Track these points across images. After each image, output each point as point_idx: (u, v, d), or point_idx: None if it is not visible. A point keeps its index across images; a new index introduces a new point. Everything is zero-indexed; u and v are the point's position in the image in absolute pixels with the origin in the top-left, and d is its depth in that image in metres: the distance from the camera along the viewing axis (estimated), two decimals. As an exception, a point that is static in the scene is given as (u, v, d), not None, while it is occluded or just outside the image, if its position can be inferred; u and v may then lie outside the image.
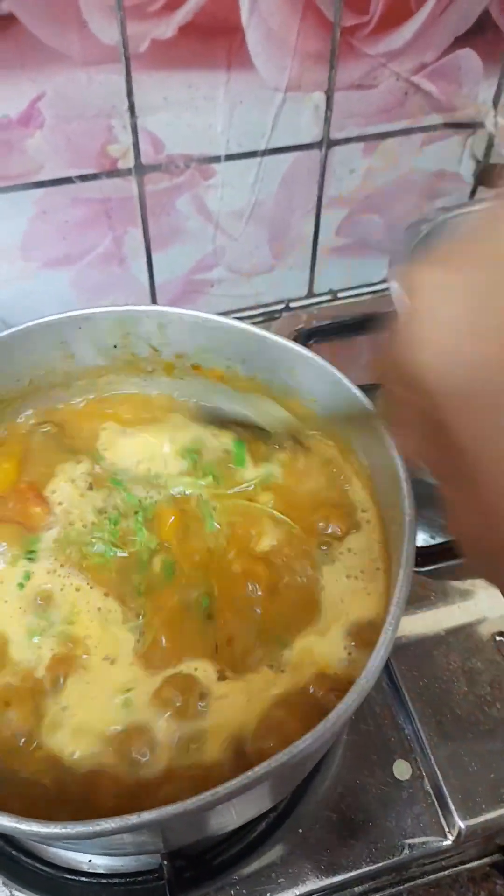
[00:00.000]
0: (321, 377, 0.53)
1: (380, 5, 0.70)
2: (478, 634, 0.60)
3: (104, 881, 0.54)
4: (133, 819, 0.35)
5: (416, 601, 0.62)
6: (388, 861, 0.53)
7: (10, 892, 0.53)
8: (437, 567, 0.63)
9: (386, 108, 0.78)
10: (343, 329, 0.84)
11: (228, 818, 0.46)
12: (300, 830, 0.54)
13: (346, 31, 0.71)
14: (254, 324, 0.91)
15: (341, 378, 0.50)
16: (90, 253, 0.81)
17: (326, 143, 0.79)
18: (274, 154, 0.78)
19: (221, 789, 0.35)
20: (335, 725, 0.37)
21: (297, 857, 0.53)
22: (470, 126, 0.82)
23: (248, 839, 0.54)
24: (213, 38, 0.68)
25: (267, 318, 0.95)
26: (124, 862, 0.53)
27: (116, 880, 0.54)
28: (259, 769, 0.36)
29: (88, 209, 0.77)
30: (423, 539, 0.65)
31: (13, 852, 0.55)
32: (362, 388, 0.50)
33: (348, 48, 0.72)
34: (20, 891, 0.53)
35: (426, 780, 0.56)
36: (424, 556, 0.64)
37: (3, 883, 0.53)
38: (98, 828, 0.36)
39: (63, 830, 0.36)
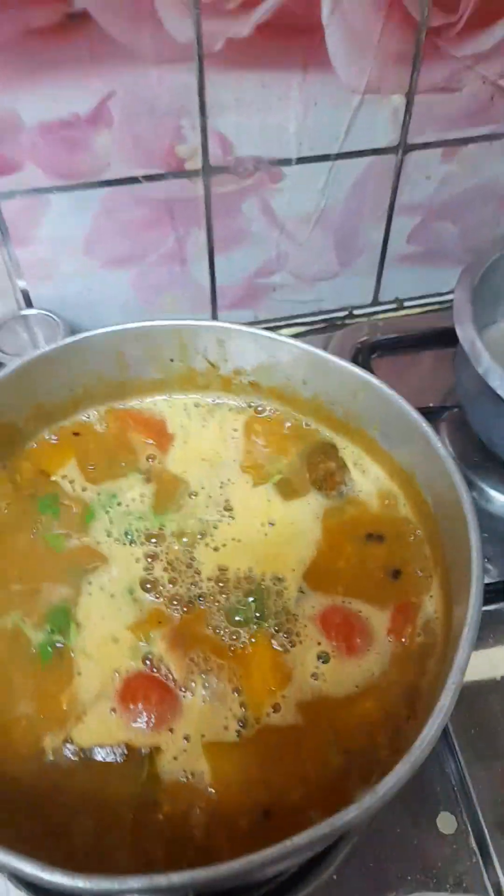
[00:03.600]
0: (385, 404, 0.50)
1: (470, 4, 0.66)
2: (535, 683, 0.57)
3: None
4: (161, 881, 0.34)
5: (471, 642, 0.59)
6: (426, 917, 0.50)
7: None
8: (497, 607, 0.60)
9: (469, 112, 0.74)
10: (408, 343, 0.80)
11: (259, 875, 0.44)
12: (335, 877, 0.52)
13: (432, 32, 0.67)
14: (315, 330, 0.91)
15: (408, 409, 0.47)
16: (152, 253, 0.79)
17: (403, 148, 0.76)
18: (347, 158, 0.75)
19: (257, 857, 0.33)
20: (384, 798, 0.34)
21: (330, 905, 0.51)
22: None
23: (282, 879, 0.52)
24: (291, 38, 0.65)
25: (329, 325, 0.92)
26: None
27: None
28: (298, 839, 0.34)
29: (153, 209, 0.75)
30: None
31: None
32: (426, 409, 0.47)
33: (433, 49, 0.69)
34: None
35: (472, 836, 0.53)
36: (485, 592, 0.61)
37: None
38: (124, 885, 0.34)
39: (86, 885, 0.34)
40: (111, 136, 0.68)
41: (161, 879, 0.33)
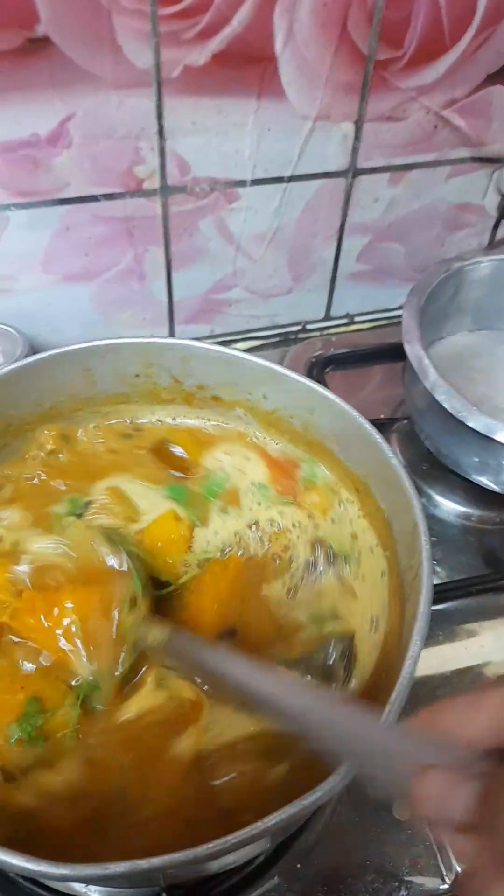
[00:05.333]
0: (341, 417, 0.53)
1: (415, 40, 0.70)
2: (483, 677, 0.61)
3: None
4: (143, 864, 0.36)
5: (422, 639, 0.63)
6: (384, 901, 0.53)
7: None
8: (446, 606, 0.64)
9: (414, 140, 0.79)
10: (360, 358, 0.84)
11: (230, 859, 0.46)
12: (298, 865, 0.55)
13: (379, 65, 0.71)
14: (270, 344, 0.94)
15: (363, 423, 0.50)
16: (111, 269, 0.81)
17: (353, 172, 0.80)
18: (299, 181, 0.79)
19: (231, 837, 0.36)
20: (345, 780, 0.37)
21: (293, 892, 0.53)
22: (497, 161, 0.83)
23: (247, 871, 0.55)
24: (246, 66, 0.68)
25: (283, 339, 0.95)
26: (123, 892, 0.54)
27: (115, 909, 0.54)
28: (267, 820, 0.36)
29: (111, 227, 0.77)
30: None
31: (11, 874, 0.55)
32: (378, 421, 0.51)
33: (380, 81, 0.73)
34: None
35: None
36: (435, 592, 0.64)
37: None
38: (107, 871, 0.36)
39: (73, 872, 0.36)
40: (71, 156, 0.70)
41: (142, 863, 0.35)
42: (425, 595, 0.43)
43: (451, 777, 0.30)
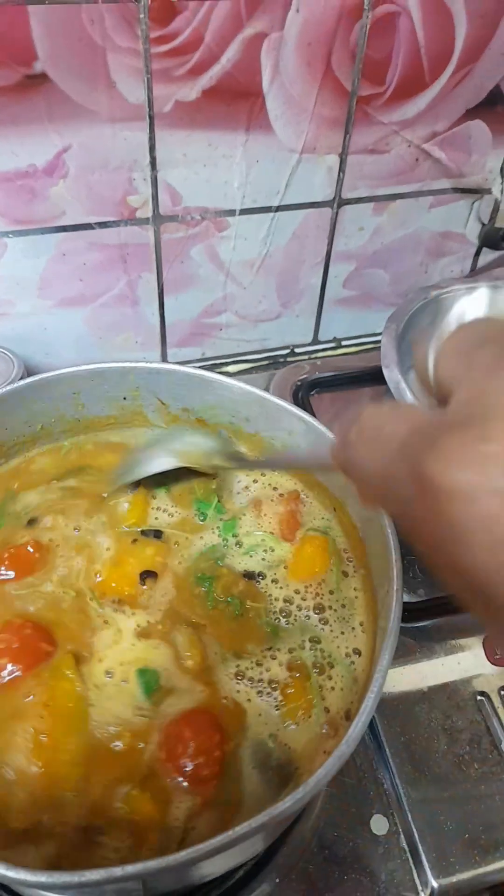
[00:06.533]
0: (319, 439, 0.55)
1: (396, 77, 0.73)
2: (460, 693, 0.62)
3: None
4: (117, 872, 0.37)
5: (400, 656, 0.64)
6: (362, 915, 0.54)
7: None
8: (424, 624, 0.65)
9: (397, 171, 0.81)
10: (345, 381, 0.86)
11: (210, 868, 0.47)
12: (277, 880, 0.55)
13: (362, 100, 0.74)
14: (259, 367, 0.96)
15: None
16: (104, 294, 0.83)
17: (338, 202, 0.82)
18: (287, 210, 0.81)
19: (205, 846, 0.37)
20: (315, 788, 0.39)
21: (274, 905, 0.54)
22: (477, 191, 0.85)
23: (228, 885, 0.56)
24: (235, 102, 0.71)
25: (272, 362, 0.97)
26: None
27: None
28: (241, 828, 0.37)
29: (105, 254, 0.79)
30: (408, 596, 0.67)
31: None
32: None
33: (363, 115, 0.75)
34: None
35: (402, 837, 0.57)
36: (411, 611, 0.66)
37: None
38: (83, 878, 0.37)
39: (49, 880, 0.38)
40: (67, 186, 0.73)
41: (116, 871, 0.37)
42: (395, 611, 0.44)
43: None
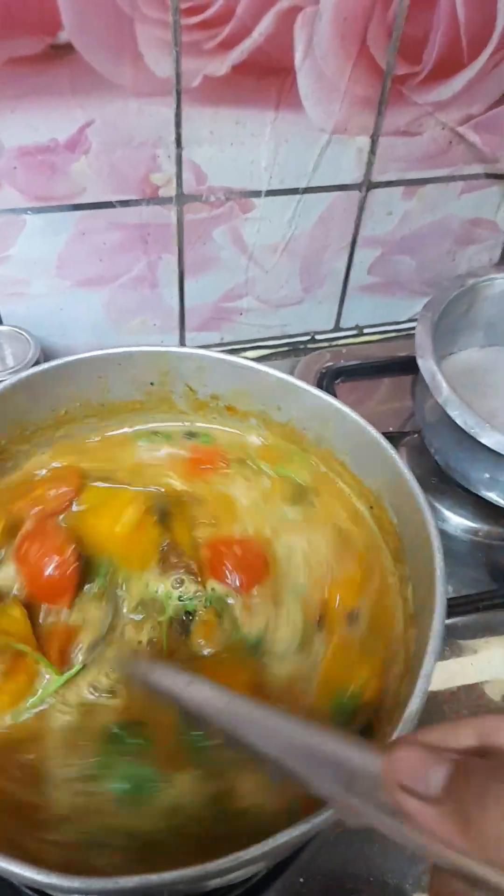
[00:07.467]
0: (355, 431, 0.53)
1: (433, 57, 0.70)
2: (487, 695, 0.61)
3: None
4: (154, 878, 0.36)
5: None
6: (388, 918, 0.53)
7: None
8: (454, 621, 0.64)
9: (429, 155, 0.79)
10: (369, 370, 0.84)
11: (233, 875, 0.46)
12: (301, 880, 0.54)
13: (397, 80, 0.72)
14: (279, 354, 0.94)
15: (378, 437, 0.50)
16: (123, 276, 0.81)
17: (367, 186, 0.80)
18: (314, 192, 0.79)
19: (244, 854, 0.36)
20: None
21: (296, 906, 0.53)
22: (511, 177, 0.83)
23: (248, 886, 0.54)
24: (265, 78, 0.68)
25: (292, 348, 0.95)
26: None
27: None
28: (272, 841, 0.36)
29: (126, 233, 0.77)
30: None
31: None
32: (388, 434, 0.51)
33: (397, 95, 0.73)
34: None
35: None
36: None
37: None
38: (118, 885, 0.36)
39: (83, 885, 0.36)
40: (89, 163, 0.70)
41: (153, 878, 0.35)
42: (439, 611, 0.43)
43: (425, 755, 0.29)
